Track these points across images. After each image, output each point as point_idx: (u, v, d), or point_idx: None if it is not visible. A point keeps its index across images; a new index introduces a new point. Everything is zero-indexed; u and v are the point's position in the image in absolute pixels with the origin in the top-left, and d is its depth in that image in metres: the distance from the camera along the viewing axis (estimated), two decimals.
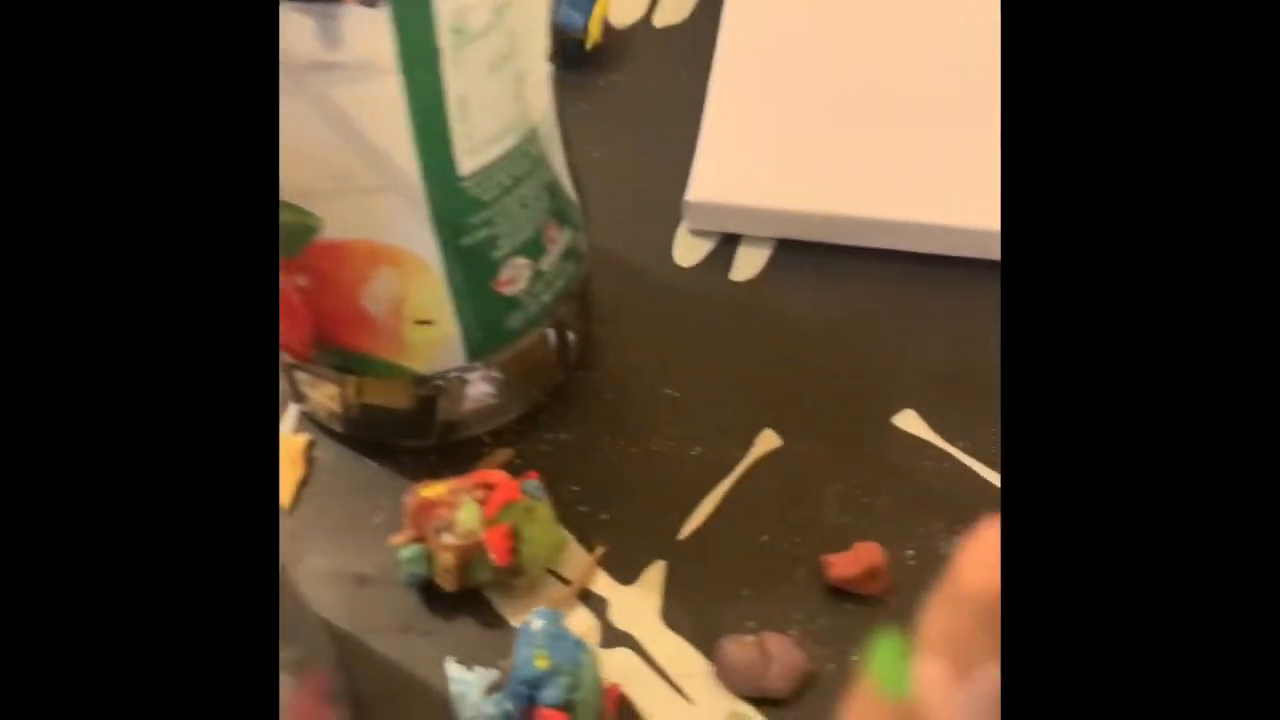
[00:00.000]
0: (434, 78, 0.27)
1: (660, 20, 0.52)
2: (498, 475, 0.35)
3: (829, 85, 0.46)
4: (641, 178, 0.46)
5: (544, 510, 0.35)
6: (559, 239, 0.35)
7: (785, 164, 0.44)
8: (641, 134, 0.48)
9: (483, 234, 0.32)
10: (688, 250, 0.44)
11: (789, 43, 0.48)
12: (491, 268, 0.33)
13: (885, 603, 0.36)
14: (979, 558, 0.13)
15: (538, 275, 0.35)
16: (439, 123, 0.28)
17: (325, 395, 0.37)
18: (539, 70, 0.31)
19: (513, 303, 0.35)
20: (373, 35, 0.26)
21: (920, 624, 0.13)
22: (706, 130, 0.45)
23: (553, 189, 0.34)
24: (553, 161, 0.34)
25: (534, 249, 0.34)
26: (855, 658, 0.35)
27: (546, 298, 0.36)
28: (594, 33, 0.49)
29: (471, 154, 0.30)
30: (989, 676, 0.12)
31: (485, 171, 0.31)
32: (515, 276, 0.34)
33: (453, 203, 0.30)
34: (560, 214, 0.35)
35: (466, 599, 0.36)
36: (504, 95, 0.29)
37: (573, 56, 0.50)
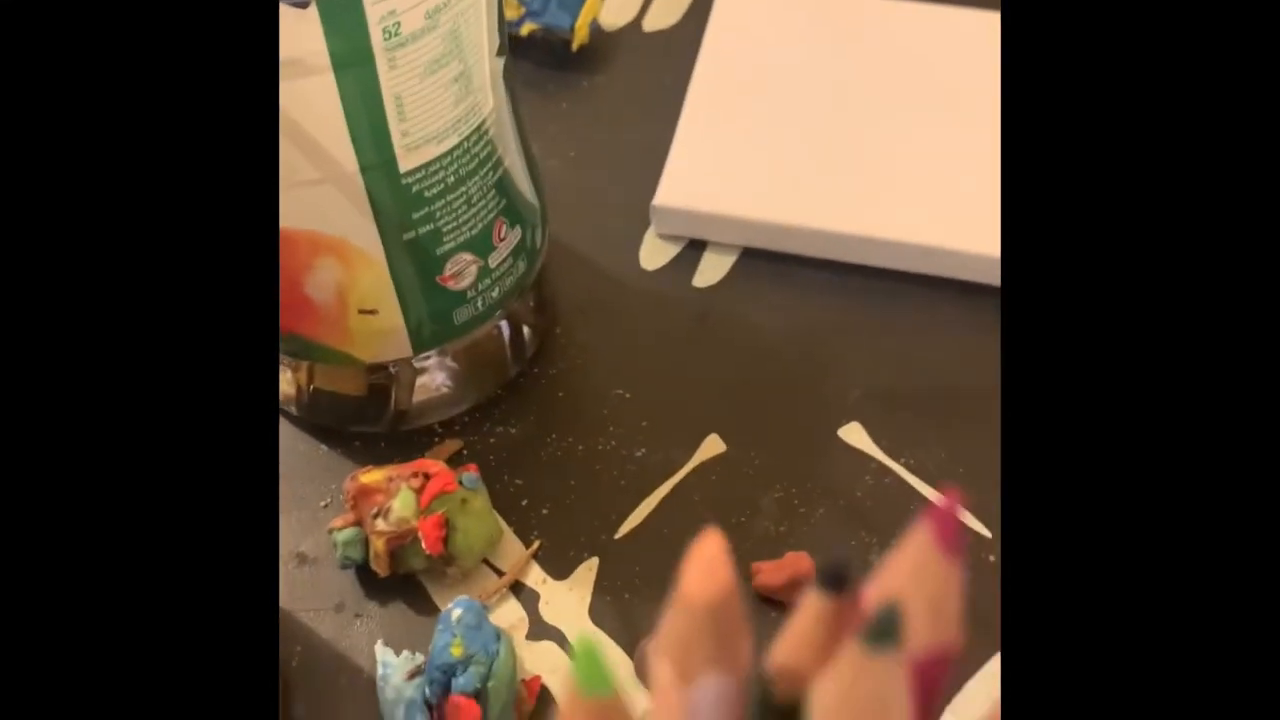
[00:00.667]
0: (369, 78, 0.28)
1: (650, 24, 0.52)
2: (435, 465, 0.36)
3: (804, 99, 0.47)
4: (614, 179, 0.47)
5: (479, 502, 0.36)
6: (509, 236, 0.36)
7: (754, 173, 0.44)
8: (618, 136, 0.48)
9: (426, 229, 0.33)
10: (653, 253, 0.45)
11: (768, 55, 0.48)
12: (436, 262, 0.34)
13: None
14: (701, 567, 0.13)
15: (485, 271, 0.36)
16: (376, 121, 0.29)
17: (281, 380, 0.38)
18: (484, 70, 0.31)
19: (459, 297, 0.35)
20: (305, 35, 0.26)
21: (657, 630, 0.14)
22: (680, 136, 0.46)
23: (503, 186, 0.35)
24: (504, 159, 0.34)
25: (481, 246, 0.35)
26: None
27: (495, 294, 0.37)
28: (580, 34, 0.50)
29: (411, 152, 0.30)
30: (709, 683, 0.13)
31: (427, 169, 0.31)
32: (461, 272, 0.35)
33: (394, 198, 0.31)
34: (511, 212, 0.36)
35: (401, 584, 0.37)
36: (444, 96, 0.30)
37: (559, 57, 0.51)
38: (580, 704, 0.12)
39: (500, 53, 0.33)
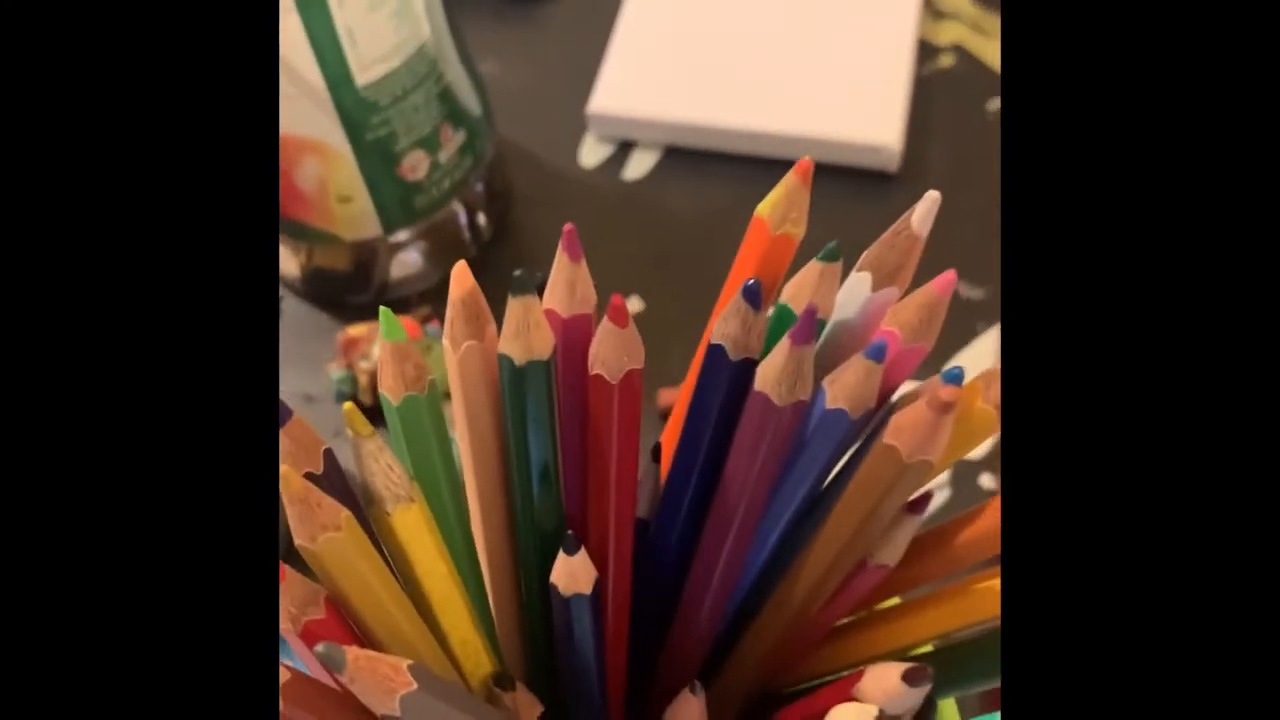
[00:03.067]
0: (324, 15, 0.38)
1: None
2: (406, 321, 0.46)
3: (725, 14, 0.55)
4: (558, 89, 0.56)
5: (441, 347, 0.46)
6: (454, 137, 0.45)
7: (676, 81, 0.53)
8: (563, 50, 0.57)
9: (383, 131, 0.42)
10: (591, 152, 0.54)
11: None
12: (395, 158, 0.44)
13: None
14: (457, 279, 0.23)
15: (435, 166, 0.45)
16: (334, 48, 0.39)
17: (286, 262, 0.49)
18: (419, 4, 0.41)
19: (416, 187, 0.45)
20: None
21: None
22: (613, 49, 0.55)
23: (445, 96, 0.44)
24: (445, 74, 0.44)
25: (431, 144, 0.44)
26: None
27: (447, 184, 0.46)
28: None
29: (364, 70, 0.40)
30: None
31: (378, 83, 0.41)
32: (415, 165, 0.44)
33: (355, 107, 0.41)
34: (454, 117, 0.45)
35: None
36: (386, 26, 0.40)
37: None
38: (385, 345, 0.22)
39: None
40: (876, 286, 0.22)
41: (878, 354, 0.20)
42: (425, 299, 0.50)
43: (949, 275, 0.21)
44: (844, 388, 0.20)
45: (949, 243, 0.50)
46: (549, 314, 0.22)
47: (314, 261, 0.48)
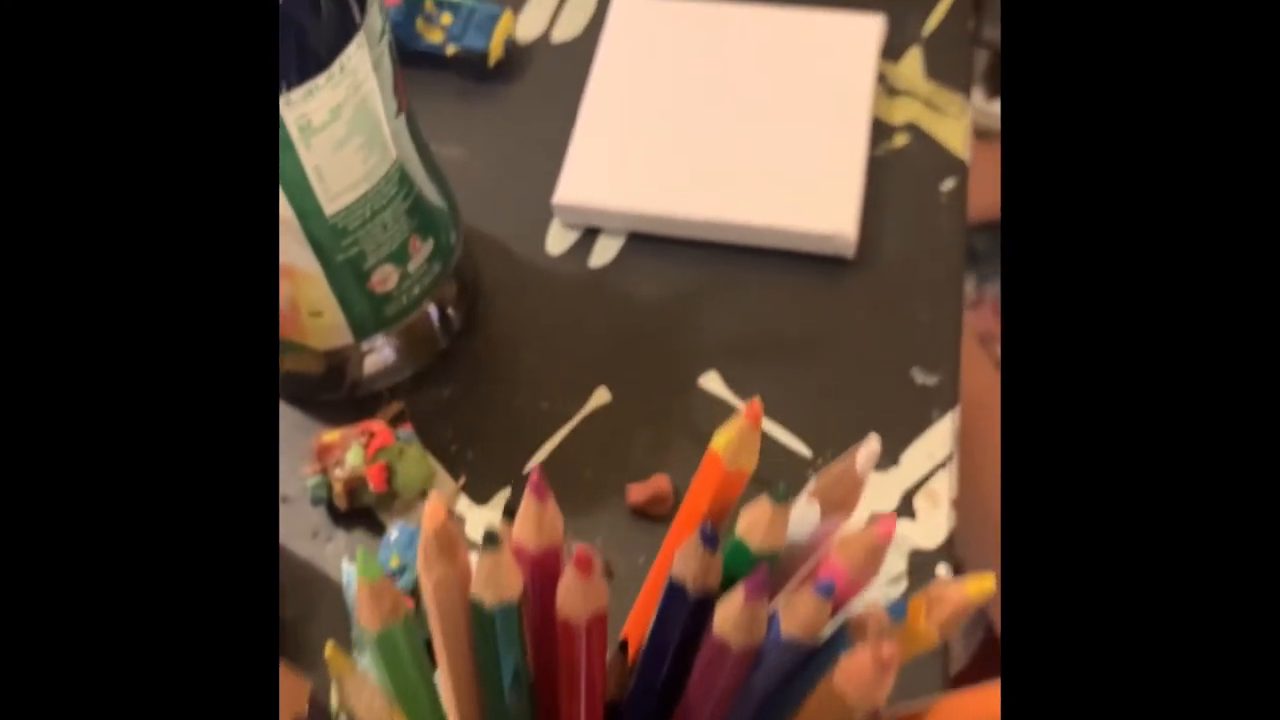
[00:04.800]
0: (293, 158, 0.39)
1: (558, 36, 0.62)
2: (378, 425, 0.47)
3: (679, 104, 0.56)
4: (524, 177, 0.57)
5: (414, 450, 0.47)
6: (423, 247, 0.47)
7: (637, 173, 0.55)
8: (529, 139, 0.58)
9: (353, 251, 0.44)
10: (557, 240, 0.55)
11: (652, 65, 0.58)
12: (365, 274, 0.45)
13: (669, 520, 0.48)
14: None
15: (405, 276, 0.46)
16: (304, 184, 0.40)
17: None
18: (384, 133, 0.42)
19: (386, 298, 0.46)
20: None
21: None
22: (576, 139, 0.56)
23: (414, 209, 0.45)
24: (413, 188, 0.45)
25: (400, 257, 0.46)
26: (641, 561, 0.47)
27: (416, 290, 0.47)
28: (496, 52, 0.59)
29: (332, 201, 0.41)
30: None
31: (347, 210, 0.42)
32: (385, 279, 0.46)
33: (324, 234, 0.42)
34: (423, 227, 0.46)
35: (359, 515, 0.48)
36: (353, 159, 0.41)
37: (479, 71, 0.61)
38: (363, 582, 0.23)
39: (399, 113, 0.43)
40: (825, 514, 0.24)
41: (828, 591, 0.21)
42: (397, 393, 0.51)
43: (890, 522, 0.22)
44: (797, 618, 0.22)
45: (903, 326, 0.52)
46: (518, 550, 0.24)
47: (286, 366, 0.49)
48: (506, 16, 0.60)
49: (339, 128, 0.39)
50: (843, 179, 0.54)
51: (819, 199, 0.53)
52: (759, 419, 0.23)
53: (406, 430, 0.48)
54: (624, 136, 0.56)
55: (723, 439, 0.24)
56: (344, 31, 0.37)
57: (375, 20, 0.39)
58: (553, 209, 0.55)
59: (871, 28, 0.58)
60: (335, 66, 0.37)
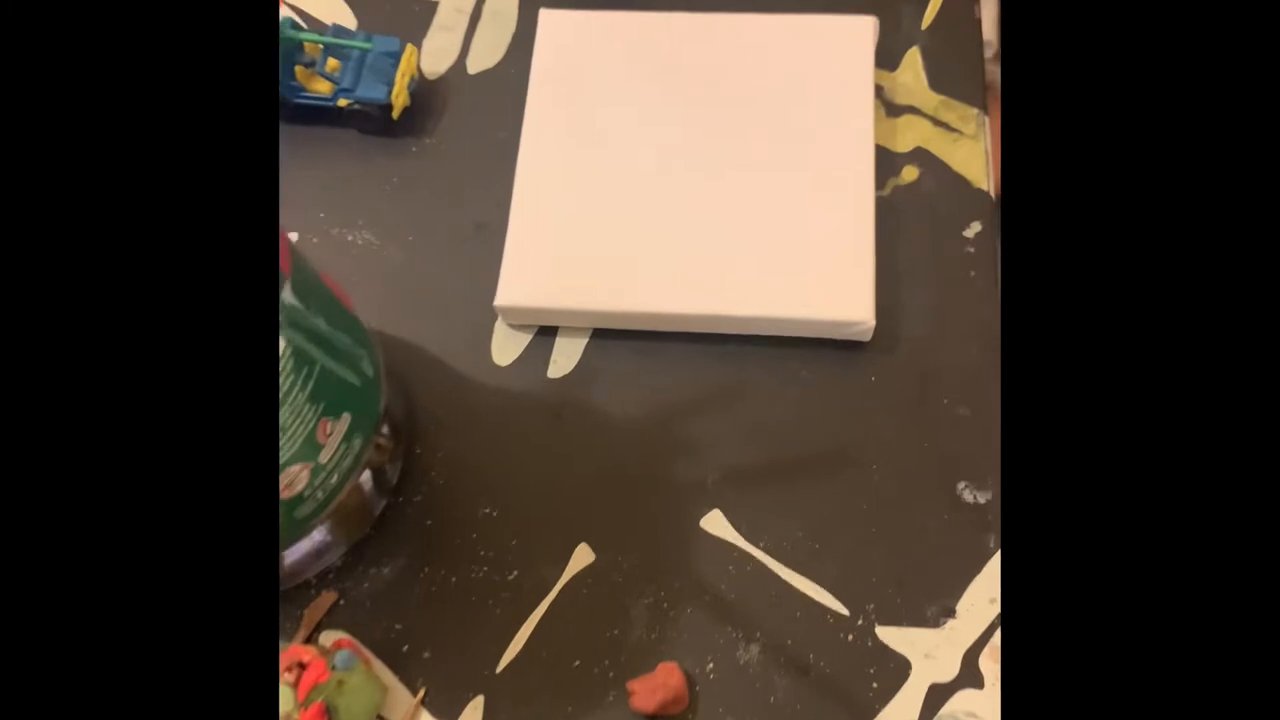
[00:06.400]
0: None
1: (475, 64, 0.50)
2: (308, 653, 0.37)
3: (645, 154, 0.45)
4: (457, 265, 0.46)
5: (356, 678, 0.37)
6: (335, 428, 0.36)
7: (594, 256, 0.44)
8: (457, 210, 0.47)
9: None
10: (504, 346, 0.45)
11: (600, 105, 0.46)
12: None
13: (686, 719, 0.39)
14: None
15: (317, 469, 0.36)
16: None
17: None
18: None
19: (296, 500, 0.36)
20: None
21: None
22: (515, 217, 0.45)
23: (317, 392, 0.34)
24: (313, 368, 0.34)
25: (308, 451, 0.35)
26: None
27: (334, 480, 0.37)
28: (400, 99, 0.48)
29: None
30: None
31: None
32: (293, 481, 0.35)
33: None
34: (332, 407, 0.35)
35: None
36: None
37: (384, 121, 0.49)
38: None
39: (282, 284, 0.32)
40: None
41: None
42: (327, 580, 0.41)
43: None
44: None
45: (940, 426, 0.41)
46: None
47: None
48: (409, 53, 0.48)
49: None
50: (851, 242, 0.43)
51: (825, 276, 0.43)
52: None
53: (344, 653, 0.38)
54: (574, 208, 0.45)
55: None
56: None
57: None
58: (496, 312, 0.44)
59: (862, 31, 0.47)
60: None
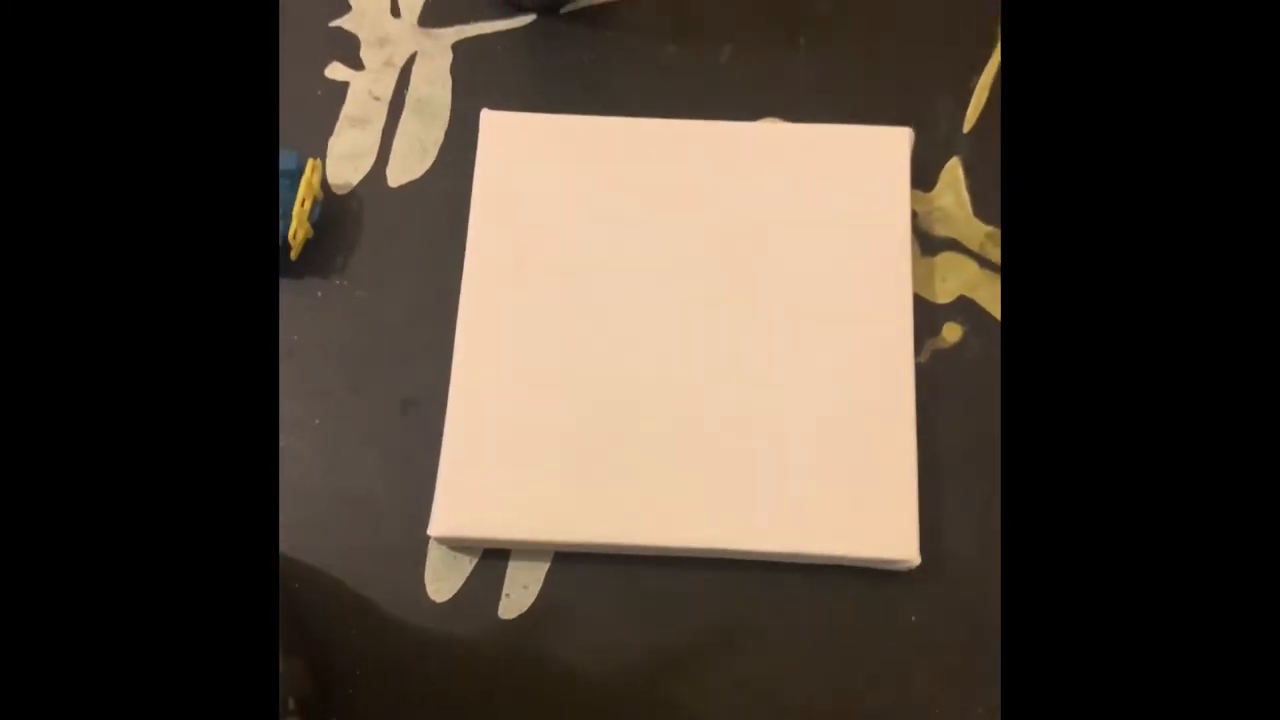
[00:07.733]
0: None
1: (397, 175, 0.39)
2: None
3: (604, 361, 0.35)
4: (381, 468, 0.36)
5: None
6: None
7: (550, 478, 0.33)
8: (380, 385, 0.36)
9: None
10: (442, 574, 0.35)
11: (550, 292, 0.35)
12: None
13: None
14: None
15: None
16: None
17: None
18: None
19: None
20: None
21: None
22: (451, 428, 0.34)
23: None
24: None
25: None
26: None
27: None
28: (300, 236, 0.37)
29: None
30: None
31: None
32: None
33: None
34: None
35: None
36: None
37: (283, 263, 0.38)
38: None
39: None
40: None
41: None
42: None
43: None
44: None
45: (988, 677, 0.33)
46: None
47: None
48: (311, 169, 0.37)
49: None
50: (888, 453, 0.34)
51: (856, 499, 0.33)
52: None
53: None
54: (532, 398, 0.34)
55: None
56: None
57: None
58: (429, 540, 0.35)
59: (895, 146, 0.37)
60: None
